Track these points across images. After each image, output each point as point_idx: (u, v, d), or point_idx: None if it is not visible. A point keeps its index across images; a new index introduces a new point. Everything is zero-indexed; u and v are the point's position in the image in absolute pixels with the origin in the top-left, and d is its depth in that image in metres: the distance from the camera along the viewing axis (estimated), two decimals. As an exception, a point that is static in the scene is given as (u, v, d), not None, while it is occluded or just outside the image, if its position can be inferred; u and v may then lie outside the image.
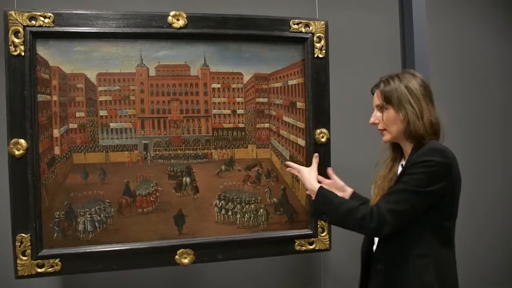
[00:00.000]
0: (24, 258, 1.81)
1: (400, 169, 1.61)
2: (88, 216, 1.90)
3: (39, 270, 1.83)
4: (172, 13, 1.94)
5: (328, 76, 2.13)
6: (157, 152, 1.99)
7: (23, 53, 1.78)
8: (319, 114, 2.12)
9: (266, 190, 2.11)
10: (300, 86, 2.12)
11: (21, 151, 1.79)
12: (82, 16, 1.86)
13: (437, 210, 1.46)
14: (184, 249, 1.98)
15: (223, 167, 2.07)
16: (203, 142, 2.05)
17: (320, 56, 2.11)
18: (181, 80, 2.00)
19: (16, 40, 1.78)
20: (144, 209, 1.97)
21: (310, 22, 2.10)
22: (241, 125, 2.09)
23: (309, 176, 1.80)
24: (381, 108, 1.59)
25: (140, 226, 1.95)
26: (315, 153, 2.05)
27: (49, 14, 1.82)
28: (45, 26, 1.81)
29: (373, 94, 1.63)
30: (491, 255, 3.22)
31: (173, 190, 2.00)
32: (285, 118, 2.13)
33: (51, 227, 1.86)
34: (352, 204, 1.56)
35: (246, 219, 2.08)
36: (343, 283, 2.85)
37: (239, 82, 2.07)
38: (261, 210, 2.10)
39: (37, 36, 1.81)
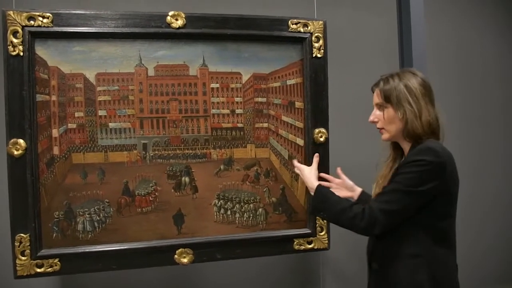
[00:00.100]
0: (23, 258, 1.81)
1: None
2: (87, 216, 1.90)
3: (38, 270, 1.83)
4: (170, 13, 1.94)
5: (327, 76, 2.13)
6: (156, 152, 1.99)
7: (21, 53, 1.78)
8: (317, 113, 2.12)
9: (265, 189, 2.12)
10: (298, 85, 2.13)
11: (20, 151, 1.79)
12: (81, 16, 1.86)
13: (430, 210, 1.46)
14: (183, 249, 1.98)
15: (222, 167, 2.07)
16: (202, 141, 2.05)
17: (319, 55, 2.12)
18: (180, 80, 2.01)
19: (15, 40, 1.78)
20: (143, 209, 1.97)
21: (309, 22, 2.11)
22: (240, 125, 2.09)
23: (310, 174, 1.81)
24: (380, 107, 1.59)
25: (139, 226, 1.95)
26: (314, 153, 2.06)
27: (48, 14, 1.82)
28: (44, 26, 1.81)
29: (373, 92, 1.64)
30: (491, 255, 3.23)
31: (172, 190, 2.01)
32: (284, 118, 2.14)
33: (50, 227, 1.86)
34: (346, 203, 1.56)
35: (245, 218, 2.09)
36: (342, 282, 2.86)
37: (238, 82, 2.07)
38: (260, 209, 2.11)
39: (35, 36, 1.81)
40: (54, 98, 1.87)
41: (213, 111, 2.06)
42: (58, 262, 1.86)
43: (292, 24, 2.09)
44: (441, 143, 1.53)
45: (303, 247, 2.14)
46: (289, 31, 2.08)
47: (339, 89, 2.53)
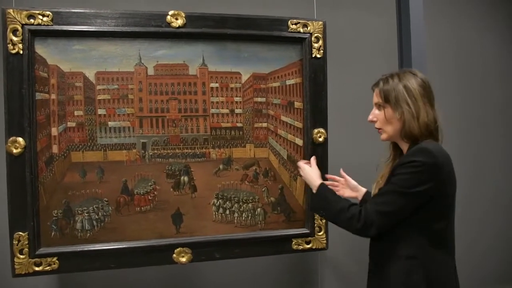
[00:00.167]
0: (21, 256, 1.81)
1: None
2: (86, 214, 1.90)
3: (37, 268, 1.83)
4: (171, 12, 1.94)
5: (326, 76, 2.14)
6: (155, 151, 1.99)
7: (21, 52, 1.78)
8: (316, 114, 2.13)
9: (263, 189, 2.12)
10: (298, 86, 2.13)
11: (19, 150, 1.79)
12: (80, 15, 1.86)
13: (426, 211, 1.46)
14: (181, 248, 1.98)
15: (221, 166, 2.08)
16: (201, 141, 2.05)
17: (318, 56, 2.12)
18: (179, 79, 2.01)
19: (15, 38, 1.78)
20: (142, 208, 1.97)
21: (308, 22, 2.11)
22: (239, 125, 2.09)
23: (312, 172, 1.80)
24: (379, 106, 1.59)
25: (138, 225, 1.95)
26: (313, 153, 2.07)
27: (48, 12, 1.81)
28: (44, 25, 1.81)
29: (373, 92, 1.64)
30: (490, 256, 3.24)
31: (171, 189, 2.01)
32: (283, 118, 2.14)
33: (49, 226, 1.86)
34: (345, 203, 1.56)
35: (243, 218, 2.09)
36: (340, 282, 2.86)
37: (238, 82, 2.08)
38: (259, 209, 2.11)
39: (35, 34, 1.81)
40: (53, 96, 1.87)
41: (213, 110, 2.06)
42: (57, 261, 1.86)
43: (292, 24, 2.09)
44: (438, 144, 1.52)
45: (301, 247, 2.14)
46: (289, 31, 2.09)
47: (338, 89, 2.54)
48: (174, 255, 1.98)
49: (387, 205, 1.45)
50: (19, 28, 1.78)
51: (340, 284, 2.86)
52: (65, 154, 1.90)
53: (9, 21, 1.77)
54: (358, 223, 1.47)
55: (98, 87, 1.92)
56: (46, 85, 1.85)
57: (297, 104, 2.14)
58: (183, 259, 1.98)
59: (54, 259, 1.85)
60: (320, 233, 2.15)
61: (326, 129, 2.14)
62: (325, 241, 2.17)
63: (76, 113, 1.90)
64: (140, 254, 1.94)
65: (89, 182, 1.91)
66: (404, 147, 1.58)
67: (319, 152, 2.11)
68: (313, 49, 2.11)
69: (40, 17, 1.80)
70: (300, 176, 1.90)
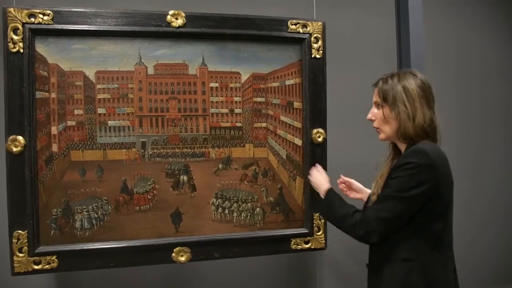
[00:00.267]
0: (20, 255, 1.81)
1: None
2: (85, 213, 1.91)
3: (36, 267, 1.84)
4: (171, 12, 1.95)
5: (325, 77, 2.15)
6: (155, 150, 2.00)
7: (22, 50, 1.79)
8: (316, 114, 2.13)
9: (262, 189, 2.13)
10: (297, 86, 2.14)
11: (19, 148, 1.79)
12: (81, 14, 1.87)
13: (424, 212, 1.46)
14: (181, 247, 1.98)
15: (220, 166, 2.08)
16: (201, 140, 2.06)
17: (318, 56, 2.13)
18: (179, 78, 2.01)
19: (15, 37, 1.78)
20: (141, 207, 1.97)
21: (308, 22, 2.12)
22: (238, 124, 2.10)
23: (320, 177, 1.80)
24: (378, 105, 1.60)
25: (137, 224, 1.96)
26: (312, 153, 2.10)
27: (48, 11, 1.82)
28: (44, 24, 1.81)
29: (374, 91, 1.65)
30: (490, 256, 3.25)
31: (171, 188, 2.01)
32: (282, 118, 2.15)
33: (48, 224, 1.86)
34: (349, 209, 1.56)
35: (242, 217, 2.10)
36: (339, 281, 2.87)
37: (237, 82, 2.08)
38: (258, 209, 2.12)
39: (36, 33, 1.81)
40: (53, 95, 1.87)
41: (212, 110, 2.07)
42: (56, 259, 1.86)
43: (292, 24, 2.10)
44: (435, 145, 1.52)
45: (300, 246, 2.15)
46: (288, 32, 2.10)
47: (337, 89, 2.54)
48: (173, 254, 1.98)
49: (386, 211, 1.45)
50: (20, 26, 1.78)
51: (339, 283, 2.86)
52: (65, 153, 1.90)
53: (9, 19, 1.77)
54: (360, 230, 1.48)
55: (98, 86, 1.92)
56: (46, 84, 1.86)
57: (297, 104, 2.14)
58: (182, 258, 1.99)
59: (53, 257, 1.85)
60: (318, 233, 2.16)
61: (325, 129, 2.15)
62: (323, 241, 2.17)
63: (76, 112, 1.91)
64: (139, 253, 1.95)
65: (89, 181, 1.92)
66: (402, 147, 1.58)
67: (318, 152, 2.12)
68: (312, 50, 2.12)
69: (41, 16, 1.81)
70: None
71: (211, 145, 2.07)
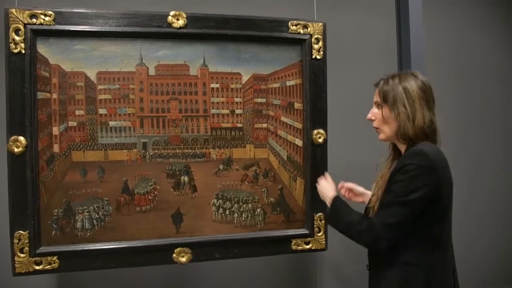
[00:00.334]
0: (22, 255, 1.81)
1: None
2: (87, 214, 1.91)
3: (37, 267, 1.84)
4: (172, 13, 1.96)
5: (326, 77, 2.15)
6: (156, 151, 2.00)
7: (23, 51, 1.79)
8: (316, 114, 2.14)
9: (263, 189, 2.13)
10: (298, 87, 2.15)
11: (20, 149, 1.79)
12: (82, 15, 1.87)
13: (423, 214, 1.45)
14: (181, 248, 1.99)
15: (221, 167, 2.08)
16: (202, 141, 2.06)
17: (318, 57, 2.13)
18: (180, 79, 2.02)
19: (17, 38, 1.78)
20: (142, 208, 1.98)
21: (308, 23, 2.13)
22: (239, 125, 2.10)
23: (328, 186, 1.79)
24: (378, 105, 1.60)
25: (138, 225, 1.96)
26: (313, 153, 2.11)
27: (50, 12, 1.82)
28: (46, 24, 1.82)
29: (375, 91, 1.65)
30: (490, 256, 3.25)
31: (171, 189, 2.02)
32: (283, 119, 2.15)
33: (49, 225, 1.87)
34: (356, 216, 1.56)
35: (243, 218, 2.10)
36: (339, 282, 2.87)
37: (238, 82, 2.09)
38: (258, 209, 2.12)
39: (37, 34, 1.82)
40: (55, 96, 1.88)
41: (213, 111, 2.07)
42: (57, 260, 1.86)
43: (292, 25, 2.10)
44: (435, 146, 1.53)
45: (300, 247, 2.15)
46: (289, 33, 2.10)
47: (338, 90, 2.55)
48: (174, 255, 1.98)
49: (391, 217, 1.44)
50: (22, 27, 1.79)
51: (339, 284, 2.86)
52: (66, 154, 1.90)
53: (11, 20, 1.78)
54: (368, 238, 1.47)
55: (99, 86, 1.92)
56: (47, 84, 1.86)
57: (297, 105, 2.15)
58: (183, 259, 1.99)
59: (54, 258, 1.86)
60: (319, 234, 2.16)
61: (325, 130, 2.15)
62: (324, 242, 2.18)
63: (77, 112, 1.91)
64: (140, 254, 1.95)
65: (90, 181, 1.92)
66: (402, 148, 1.59)
67: (318, 153, 2.12)
68: (313, 50, 2.12)
69: (42, 16, 1.81)
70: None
71: (212, 145, 2.07)
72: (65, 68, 1.88)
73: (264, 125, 2.13)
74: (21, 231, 1.81)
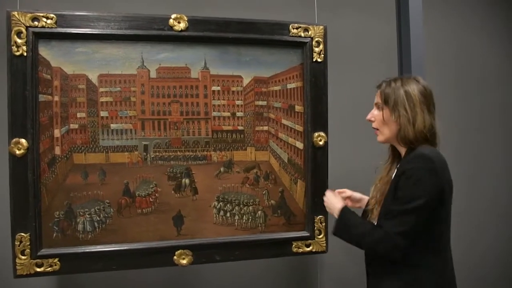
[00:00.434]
0: (23, 257, 1.82)
1: (395, 172, 1.62)
2: (88, 216, 1.91)
3: (38, 269, 1.84)
4: (173, 16, 1.96)
5: (326, 80, 2.16)
6: (157, 153, 2.00)
7: (25, 54, 1.79)
8: (317, 117, 2.14)
9: (264, 192, 2.13)
10: (298, 89, 2.15)
11: (22, 151, 1.80)
12: (84, 18, 1.88)
13: (428, 217, 1.46)
14: (182, 250, 1.99)
15: (222, 169, 2.09)
16: (203, 144, 2.06)
17: (319, 60, 2.14)
18: (181, 82, 2.02)
19: (19, 41, 1.79)
20: (144, 210, 1.98)
21: (309, 26, 2.13)
22: (240, 128, 2.11)
23: (334, 198, 1.78)
24: (379, 107, 1.62)
25: (139, 227, 1.96)
26: (313, 156, 2.12)
27: (52, 15, 1.83)
28: (48, 27, 1.82)
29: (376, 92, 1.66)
30: (490, 256, 3.25)
31: (173, 191, 2.02)
32: (284, 121, 2.15)
33: (51, 227, 1.87)
34: (366, 227, 1.55)
35: (244, 220, 2.10)
36: (340, 285, 2.87)
37: (239, 85, 2.09)
38: (259, 212, 2.12)
39: (39, 36, 1.82)
40: (56, 98, 1.88)
41: (214, 113, 2.07)
42: (58, 262, 1.86)
43: (293, 28, 2.11)
44: (435, 149, 1.54)
45: (301, 249, 2.15)
46: (290, 36, 2.11)
47: (338, 93, 2.55)
48: (175, 257, 1.98)
49: (403, 225, 1.44)
50: (23, 30, 1.79)
51: (340, 287, 2.86)
52: (68, 156, 1.91)
53: (13, 23, 1.78)
54: (384, 248, 1.47)
55: (101, 89, 1.93)
56: (49, 87, 1.87)
57: (298, 108, 2.15)
58: (184, 261, 1.99)
59: (56, 260, 1.86)
60: (320, 236, 2.16)
61: (326, 133, 2.16)
62: (325, 244, 2.18)
63: (78, 115, 1.92)
64: (141, 256, 1.95)
65: (91, 184, 1.92)
66: (402, 150, 1.60)
67: (319, 156, 2.13)
68: (314, 53, 2.13)
69: (44, 19, 1.82)
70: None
71: (213, 148, 2.07)
72: (66, 70, 1.88)
73: (265, 128, 2.14)
74: (22, 233, 1.81)
